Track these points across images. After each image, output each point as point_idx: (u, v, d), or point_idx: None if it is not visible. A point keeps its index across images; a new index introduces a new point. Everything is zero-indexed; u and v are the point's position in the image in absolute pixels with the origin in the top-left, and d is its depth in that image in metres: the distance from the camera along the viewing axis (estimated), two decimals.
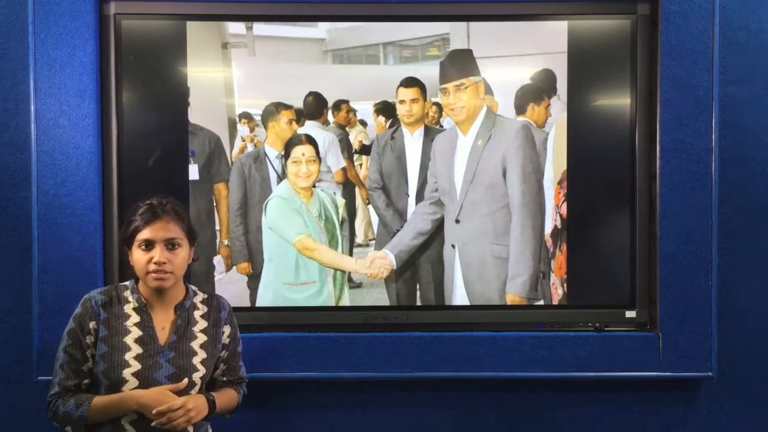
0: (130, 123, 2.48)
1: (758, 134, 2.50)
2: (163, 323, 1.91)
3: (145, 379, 1.84)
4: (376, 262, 2.56)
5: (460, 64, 2.52)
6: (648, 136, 2.51)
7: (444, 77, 2.53)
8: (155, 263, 1.85)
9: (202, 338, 1.95)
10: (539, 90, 2.54)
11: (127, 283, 1.96)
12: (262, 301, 2.55)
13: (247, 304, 2.54)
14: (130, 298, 1.91)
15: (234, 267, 2.55)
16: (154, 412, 1.78)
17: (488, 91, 2.54)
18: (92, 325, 1.86)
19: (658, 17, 2.45)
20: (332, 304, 2.56)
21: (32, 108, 2.38)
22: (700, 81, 2.44)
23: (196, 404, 1.85)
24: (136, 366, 1.85)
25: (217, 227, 2.55)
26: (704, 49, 2.44)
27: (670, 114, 2.45)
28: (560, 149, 2.54)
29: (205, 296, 2.02)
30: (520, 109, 2.54)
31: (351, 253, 2.58)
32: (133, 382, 1.83)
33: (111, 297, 1.91)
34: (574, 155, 2.54)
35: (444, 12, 2.51)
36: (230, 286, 2.53)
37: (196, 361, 1.92)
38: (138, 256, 1.87)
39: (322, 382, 2.49)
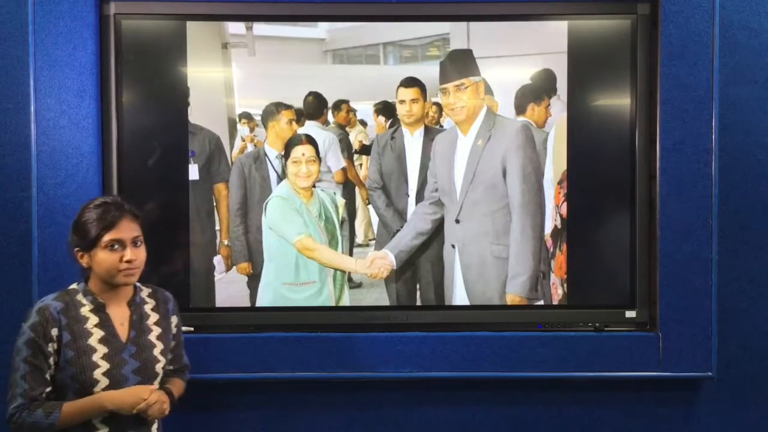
0: (130, 123, 2.48)
1: (758, 134, 2.50)
2: (121, 320, 1.94)
3: (114, 377, 1.87)
4: (376, 262, 2.56)
5: (460, 64, 2.52)
6: (648, 136, 2.51)
7: (444, 77, 2.53)
8: (127, 261, 1.87)
9: (157, 330, 1.99)
10: (539, 90, 2.54)
11: (75, 286, 1.95)
12: (262, 301, 2.54)
13: (247, 304, 2.54)
14: (84, 301, 1.91)
15: (234, 267, 2.55)
16: (135, 411, 1.82)
17: (488, 91, 2.54)
18: (54, 332, 1.84)
19: (658, 17, 2.46)
20: (332, 304, 2.56)
21: (32, 108, 2.38)
22: (700, 81, 2.44)
23: (164, 399, 1.90)
24: (105, 366, 1.87)
25: (217, 227, 2.55)
26: (704, 49, 2.44)
27: (670, 114, 2.45)
28: (560, 149, 2.54)
29: (150, 290, 2.05)
30: (520, 109, 2.54)
31: (351, 253, 2.58)
32: (104, 381, 1.86)
33: (66, 302, 1.90)
34: (574, 155, 2.54)
35: (444, 12, 2.51)
36: (230, 286, 2.53)
37: (156, 352, 1.96)
38: (105, 257, 1.87)
39: (322, 382, 2.49)
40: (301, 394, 2.51)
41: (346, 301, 2.57)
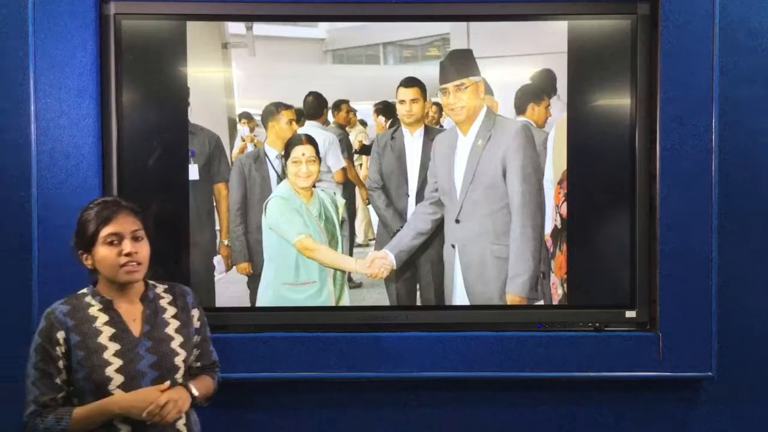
0: (130, 123, 2.48)
1: (758, 134, 2.50)
2: (133, 316, 1.92)
3: (129, 373, 1.85)
4: (376, 262, 2.56)
5: (460, 64, 2.52)
6: (648, 136, 2.51)
7: (444, 77, 2.53)
8: (126, 255, 1.86)
9: (174, 323, 1.97)
10: (539, 90, 2.54)
11: (84, 290, 1.95)
12: (262, 301, 2.54)
13: (247, 304, 2.54)
14: (93, 302, 1.91)
15: (234, 267, 2.55)
16: (144, 414, 1.78)
17: (488, 91, 2.54)
18: (60, 335, 1.85)
19: (658, 17, 2.46)
20: (332, 304, 2.56)
21: (32, 108, 2.38)
22: (700, 81, 2.44)
23: (180, 395, 1.86)
24: (117, 362, 1.85)
25: (217, 227, 2.55)
26: (704, 49, 2.44)
27: (670, 114, 2.45)
28: (560, 149, 2.54)
29: (166, 286, 2.04)
30: (520, 109, 2.54)
31: (351, 253, 2.58)
32: (118, 378, 1.84)
33: (73, 305, 1.90)
34: (574, 155, 2.54)
35: (444, 12, 2.51)
36: (230, 286, 2.53)
37: (174, 345, 1.94)
38: (105, 253, 1.86)
39: (322, 382, 2.49)
40: (300, 394, 2.51)
41: (346, 301, 2.57)
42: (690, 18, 2.44)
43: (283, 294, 2.55)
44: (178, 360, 1.93)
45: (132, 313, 1.92)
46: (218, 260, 2.55)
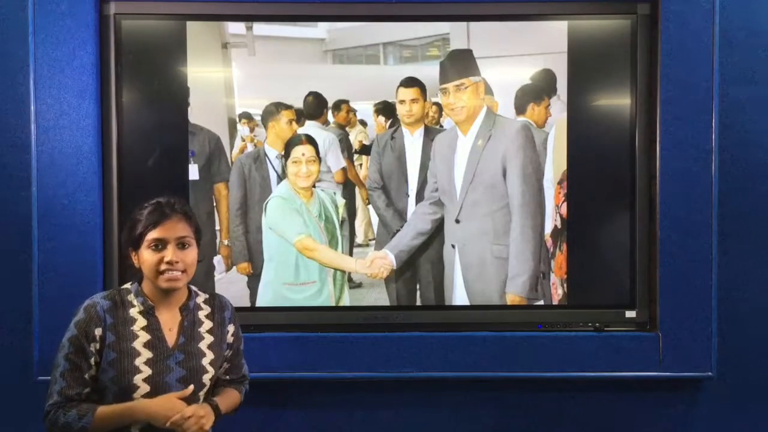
0: (130, 123, 2.48)
1: (758, 134, 2.50)
2: (170, 325, 1.87)
3: (156, 384, 1.80)
4: (376, 262, 2.56)
5: (460, 64, 2.52)
6: (648, 136, 2.51)
7: (444, 77, 2.53)
8: (167, 263, 1.81)
9: (209, 339, 1.92)
10: (539, 90, 2.54)
11: (128, 285, 1.90)
12: (262, 301, 2.55)
13: (247, 304, 2.54)
14: (135, 302, 1.86)
15: (234, 267, 2.55)
16: (168, 424, 1.74)
17: (488, 91, 2.54)
18: (98, 332, 1.79)
19: (658, 17, 2.46)
20: (332, 304, 2.56)
21: (32, 108, 2.38)
22: (700, 81, 2.44)
23: (206, 412, 1.82)
24: (147, 371, 1.80)
25: (217, 227, 2.55)
26: (704, 49, 2.44)
27: (670, 114, 2.45)
28: (560, 149, 2.54)
29: (207, 296, 1.99)
30: (520, 109, 2.54)
31: (351, 253, 2.58)
32: (145, 387, 1.79)
33: (115, 301, 1.85)
34: (574, 155, 2.54)
35: (444, 12, 2.51)
36: (230, 286, 2.53)
37: (205, 362, 1.88)
38: (148, 257, 1.82)
39: (322, 382, 2.49)
40: (300, 394, 2.51)
41: (346, 301, 2.57)
42: (690, 18, 2.44)
43: (283, 294, 2.55)
44: (206, 378, 1.88)
45: (170, 321, 1.88)
46: (218, 260, 2.55)
